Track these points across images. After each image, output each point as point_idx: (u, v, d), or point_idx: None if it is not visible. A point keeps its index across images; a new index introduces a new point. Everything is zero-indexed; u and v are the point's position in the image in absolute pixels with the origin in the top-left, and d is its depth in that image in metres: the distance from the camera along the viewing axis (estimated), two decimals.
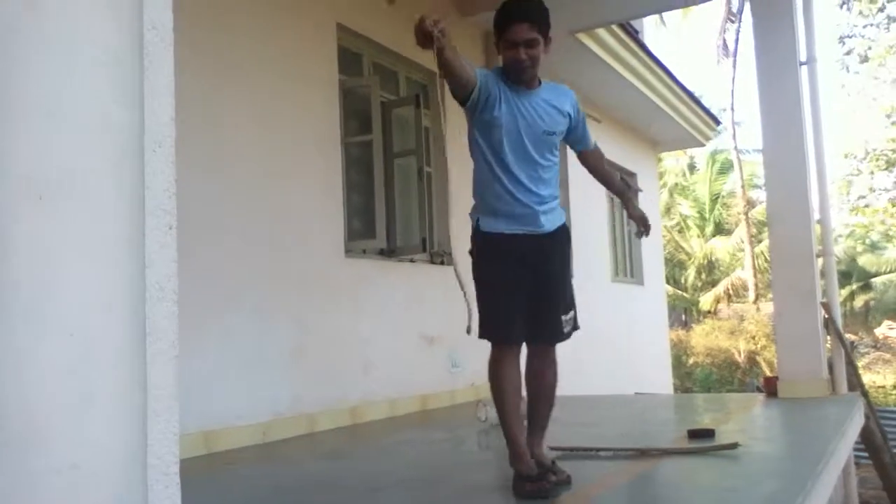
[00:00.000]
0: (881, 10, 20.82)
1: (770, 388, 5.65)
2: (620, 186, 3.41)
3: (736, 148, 21.37)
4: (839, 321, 5.74)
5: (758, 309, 19.45)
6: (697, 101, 10.67)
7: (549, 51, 2.84)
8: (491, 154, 2.82)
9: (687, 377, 17.45)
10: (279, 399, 4.46)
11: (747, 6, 10.50)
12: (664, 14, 17.24)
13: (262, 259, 4.45)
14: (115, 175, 1.14)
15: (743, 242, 21.27)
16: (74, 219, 1.10)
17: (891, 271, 23.43)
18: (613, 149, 9.66)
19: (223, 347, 4.12)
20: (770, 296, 8.84)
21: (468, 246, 2.91)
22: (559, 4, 3.39)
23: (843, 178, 24.19)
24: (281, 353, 4.52)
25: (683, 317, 24.14)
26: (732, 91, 25.34)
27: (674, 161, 25.62)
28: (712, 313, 21.87)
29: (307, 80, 4.96)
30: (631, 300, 10.21)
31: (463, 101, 2.78)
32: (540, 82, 2.89)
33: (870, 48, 21.90)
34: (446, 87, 2.75)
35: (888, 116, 22.83)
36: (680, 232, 24.66)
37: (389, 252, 5.61)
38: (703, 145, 12.55)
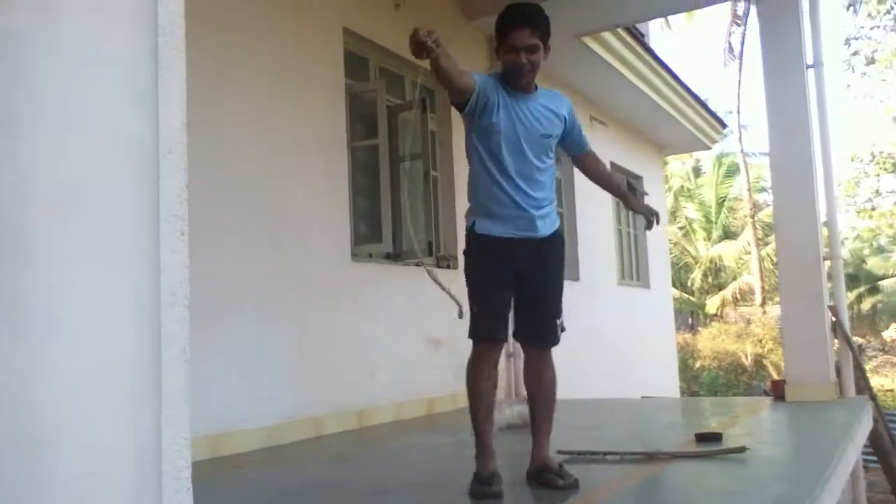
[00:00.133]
0: (888, 11, 20.75)
1: (777, 391, 5.63)
2: (620, 186, 3.44)
3: (742, 151, 21.33)
4: (846, 324, 5.71)
5: (764, 312, 19.40)
6: (703, 105, 10.66)
7: (548, 58, 2.89)
8: (489, 158, 2.87)
9: (693, 381, 17.40)
10: (285, 403, 4.46)
11: (753, 9, 10.49)
12: (670, 17, 17.21)
13: (265, 261, 4.45)
14: (129, 181, 1.15)
15: (749, 246, 21.22)
16: (90, 226, 1.11)
17: None
18: (619, 152, 9.67)
19: (228, 351, 4.12)
20: (777, 299, 8.81)
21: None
22: (565, 8, 3.41)
23: (850, 179, 24.11)
24: (286, 356, 4.52)
25: (690, 320, 24.12)
26: (738, 94, 25.47)
27: (679, 164, 25.59)
28: (719, 317, 21.83)
29: (311, 83, 4.96)
30: (637, 303, 10.19)
31: (461, 107, 2.83)
32: (536, 88, 2.95)
33: (876, 50, 21.84)
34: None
35: (895, 119, 22.77)
36: (685, 236, 24.61)
37: (396, 256, 5.62)
38: (709, 148, 12.53)
